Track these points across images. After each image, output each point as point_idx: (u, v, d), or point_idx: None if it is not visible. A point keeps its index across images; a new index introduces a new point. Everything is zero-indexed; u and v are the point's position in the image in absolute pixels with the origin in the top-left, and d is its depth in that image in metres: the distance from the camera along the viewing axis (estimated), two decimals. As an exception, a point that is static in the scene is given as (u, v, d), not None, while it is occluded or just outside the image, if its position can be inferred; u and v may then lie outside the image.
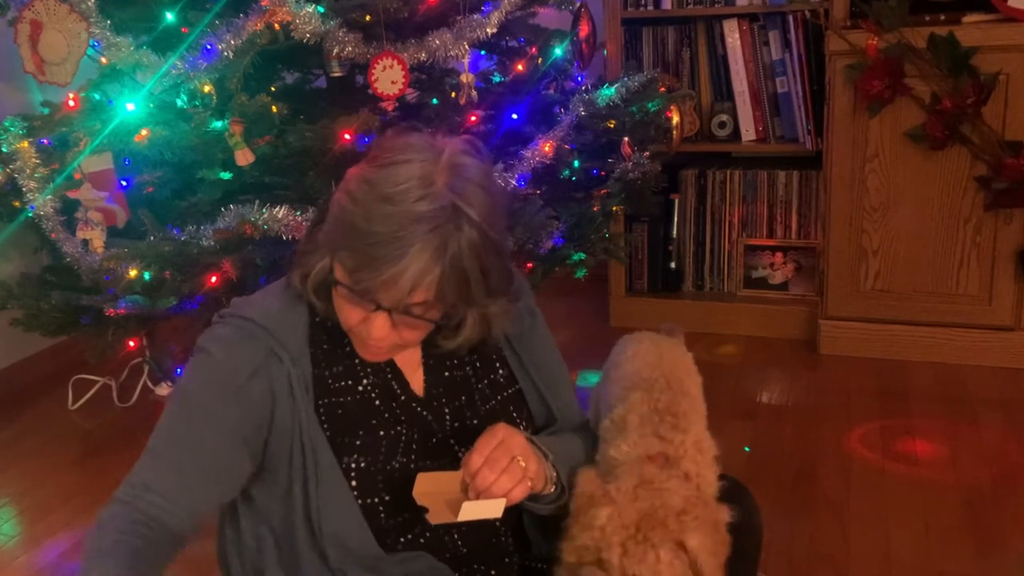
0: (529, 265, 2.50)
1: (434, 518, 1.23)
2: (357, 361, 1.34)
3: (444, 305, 1.22)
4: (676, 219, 3.53)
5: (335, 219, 1.21)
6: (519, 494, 1.23)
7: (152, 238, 2.09)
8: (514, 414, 1.42)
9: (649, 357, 1.51)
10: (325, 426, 1.30)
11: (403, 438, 1.33)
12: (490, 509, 1.21)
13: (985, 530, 2.22)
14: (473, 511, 1.21)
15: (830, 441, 2.65)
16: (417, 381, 1.39)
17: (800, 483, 2.45)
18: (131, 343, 2.43)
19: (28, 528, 2.45)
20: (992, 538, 2.19)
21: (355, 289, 1.19)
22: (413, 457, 1.33)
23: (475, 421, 1.38)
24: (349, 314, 1.24)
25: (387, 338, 1.24)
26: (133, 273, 2.06)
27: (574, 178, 2.66)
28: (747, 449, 2.63)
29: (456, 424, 1.38)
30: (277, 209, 2.03)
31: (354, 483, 1.29)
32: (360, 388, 1.34)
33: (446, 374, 1.40)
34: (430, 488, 1.24)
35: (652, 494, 1.25)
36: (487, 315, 1.31)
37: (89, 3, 2.10)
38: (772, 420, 2.82)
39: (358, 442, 1.31)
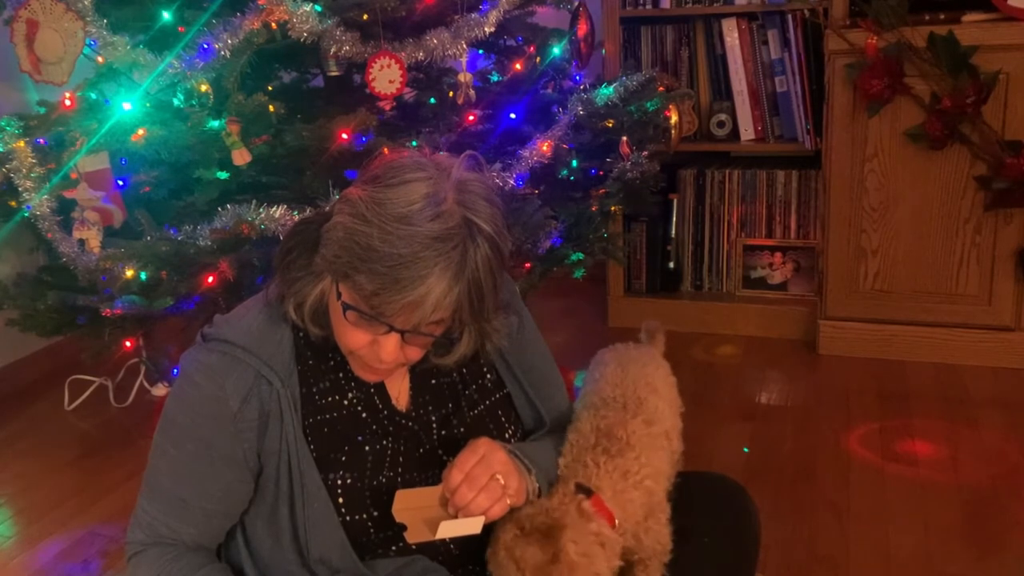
0: (527, 265, 2.49)
1: (412, 537, 1.23)
2: (342, 375, 1.33)
3: (455, 322, 1.21)
4: (675, 219, 3.53)
5: (343, 242, 1.17)
6: (498, 512, 1.23)
7: (149, 238, 2.08)
8: (502, 419, 1.42)
9: (613, 378, 1.51)
10: (312, 445, 1.29)
11: (389, 451, 1.33)
12: (469, 527, 1.21)
13: (985, 531, 2.21)
14: (451, 529, 1.21)
15: (829, 442, 2.65)
16: (403, 391, 1.38)
17: (799, 484, 2.44)
18: (128, 343, 2.41)
19: (24, 529, 2.44)
20: (992, 538, 2.18)
21: (369, 313, 1.17)
22: (400, 471, 1.33)
23: (462, 429, 1.37)
24: (354, 338, 1.23)
25: (396, 360, 1.23)
26: (130, 273, 2.05)
27: (572, 178, 2.65)
28: (746, 450, 2.63)
29: (443, 433, 1.37)
30: (274, 209, 2.02)
31: (341, 500, 1.28)
32: (346, 402, 1.33)
33: (432, 381, 1.39)
34: (410, 504, 1.23)
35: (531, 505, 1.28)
36: (486, 331, 1.31)
37: (85, 2, 2.09)
38: (771, 421, 2.81)
39: (344, 458, 1.30)
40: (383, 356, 1.22)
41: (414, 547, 1.31)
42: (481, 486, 1.21)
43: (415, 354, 1.26)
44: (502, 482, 1.23)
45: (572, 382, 2.54)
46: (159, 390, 3.05)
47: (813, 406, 2.89)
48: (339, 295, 1.21)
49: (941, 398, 2.89)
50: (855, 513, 2.30)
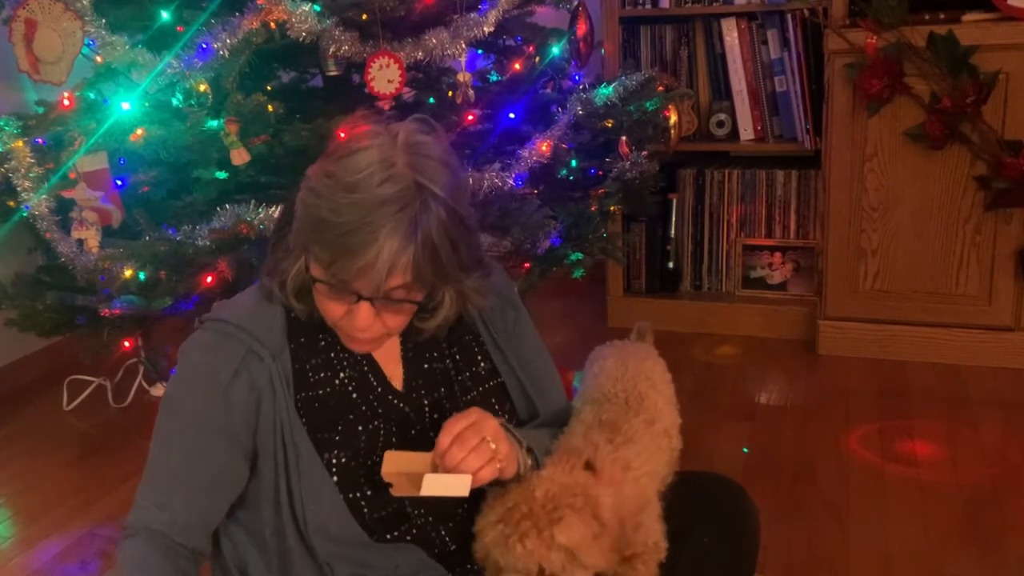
0: (526, 265, 2.49)
1: (397, 491, 1.24)
2: (333, 355, 1.35)
3: (422, 285, 1.23)
4: (674, 219, 3.52)
5: (302, 219, 1.22)
6: (487, 474, 1.23)
7: (147, 238, 2.08)
8: (496, 406, 1.42)
9: (613, 372, 1.51)
10: (304, 419, 1.30)
11: (381, 432, 1.34)
12: (456, 486, 1.21)
13: (985, 531, 2.21)
14: (437, 485, 1.20)
15: (829, 442, 2.64)
16: (396, 374, 1.39)
17: (799, 484, 2.44)
18: (126, 343, 2.42)
19: (23, 529, 2.44)
20: (992, 539, 2.18)
21: (333, 283, 1.20)
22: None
23: (455, 413, 1.37)
24: (332, 309, 1.25)
25: (372, 327, 1.25)
26: (128, 273, 2.05)
27: (571, 178, 2.64)
28: (745, 450, 2.62)
29: (436, 416, 1.38)
30: (273, 209, 2.02)
31: (336, 479, 1.29)
32: (337, 381, 1.35)
33: (425, 366, 1.41)
34: (399, 468, 1.24)
35: (520, 486, 1.25)
36: (463, 291, 1.32)
37: (84, 2, 2.08)
38: (771, 421, 2.81)
39: (337, 437, 1.31)
40: (357, 324, 1.23)
41: (414, 531, 1.31)
42: (472, 447, 1.21)
43: (395, 322, 1.27)
44: (493, 446, 1.23)
45: (571, 382, 2.54)
46: (158, 390, 3.05)
47: (813, 406, 2.89)
48: (307, 268, 1.24)
49: (941, 398, 2.89)
50: (855, 513, 2.30)
